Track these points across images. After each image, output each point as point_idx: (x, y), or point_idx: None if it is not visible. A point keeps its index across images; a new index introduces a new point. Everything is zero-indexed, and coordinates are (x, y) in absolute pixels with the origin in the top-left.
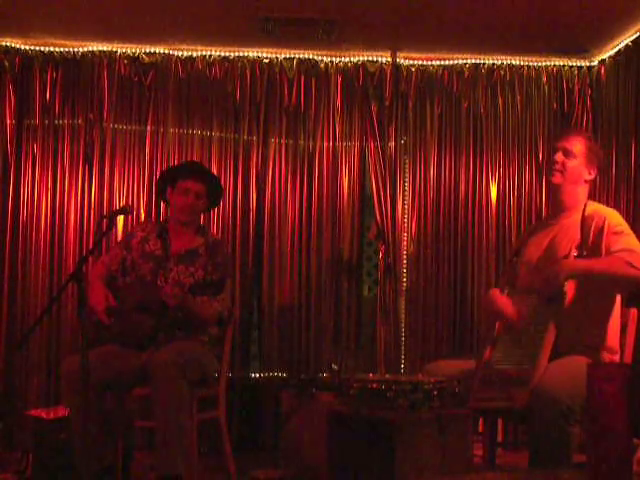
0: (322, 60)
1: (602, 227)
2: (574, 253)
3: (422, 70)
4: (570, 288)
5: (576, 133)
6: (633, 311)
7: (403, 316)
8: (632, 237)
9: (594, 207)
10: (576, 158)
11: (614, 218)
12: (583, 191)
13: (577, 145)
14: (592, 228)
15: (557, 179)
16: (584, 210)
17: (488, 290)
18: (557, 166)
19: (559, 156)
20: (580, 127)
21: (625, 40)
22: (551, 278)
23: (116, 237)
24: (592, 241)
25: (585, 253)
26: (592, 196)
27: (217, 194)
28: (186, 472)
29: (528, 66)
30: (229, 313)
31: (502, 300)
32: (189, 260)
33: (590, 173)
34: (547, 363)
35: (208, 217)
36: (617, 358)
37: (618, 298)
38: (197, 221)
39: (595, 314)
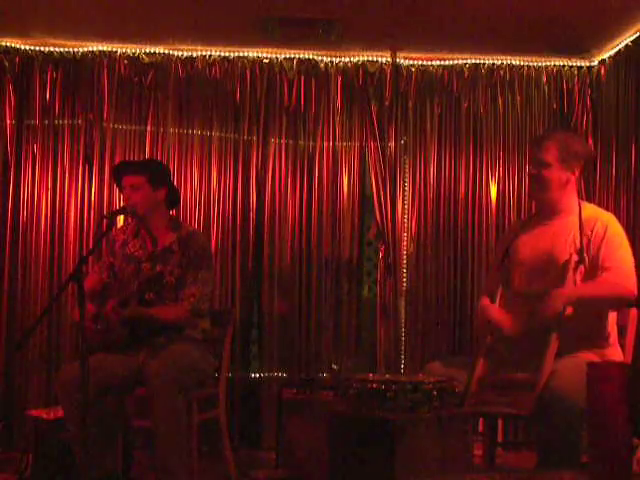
0: (322, 60)
1: (603, 236)
2: (575, 258)
3: (422, 70)
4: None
5: (546, 139)
6: (633, 311)
7: (403, 316)
8: (626, 250)
9: (592, 210)
10: (551, 165)
11: (614, 227)
12: (571, 191)
13: (549, 152)
14: (593, 235)
15: (539, 193)
16: (580, 212)
17: (479, 297)
18: (535, 180)
19: (534, 169)
20: (548, 129)
21: (625, 40)
22: (547, 312)
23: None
24: (593, 248)
25: (587, 258)
26: (592, 196)
27: (161, 178)
28: (186, 474)
29: (528, 66)
30: (210, 305)
31: (494, 310)
32: (165, 259)
33: (574, 172)
34: (551, 368)
35: (209, 216)
36: (616, 351)
37: None
38: (161, 214)
39: (591, 313)
